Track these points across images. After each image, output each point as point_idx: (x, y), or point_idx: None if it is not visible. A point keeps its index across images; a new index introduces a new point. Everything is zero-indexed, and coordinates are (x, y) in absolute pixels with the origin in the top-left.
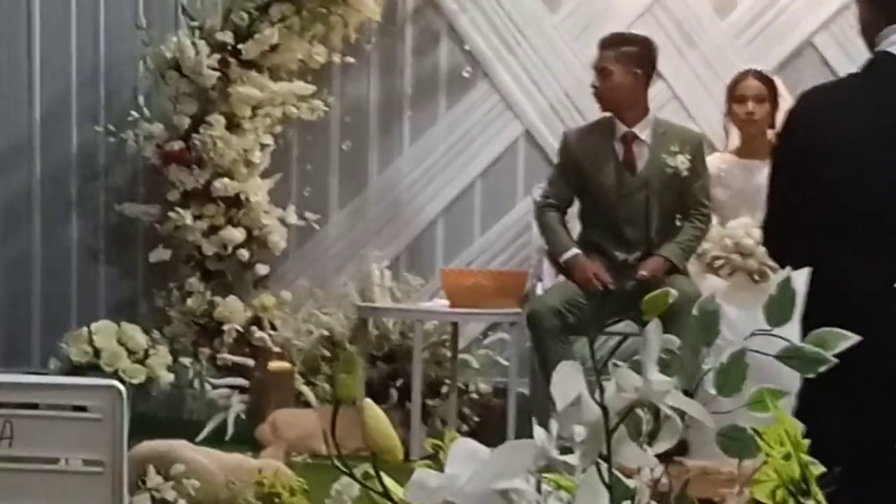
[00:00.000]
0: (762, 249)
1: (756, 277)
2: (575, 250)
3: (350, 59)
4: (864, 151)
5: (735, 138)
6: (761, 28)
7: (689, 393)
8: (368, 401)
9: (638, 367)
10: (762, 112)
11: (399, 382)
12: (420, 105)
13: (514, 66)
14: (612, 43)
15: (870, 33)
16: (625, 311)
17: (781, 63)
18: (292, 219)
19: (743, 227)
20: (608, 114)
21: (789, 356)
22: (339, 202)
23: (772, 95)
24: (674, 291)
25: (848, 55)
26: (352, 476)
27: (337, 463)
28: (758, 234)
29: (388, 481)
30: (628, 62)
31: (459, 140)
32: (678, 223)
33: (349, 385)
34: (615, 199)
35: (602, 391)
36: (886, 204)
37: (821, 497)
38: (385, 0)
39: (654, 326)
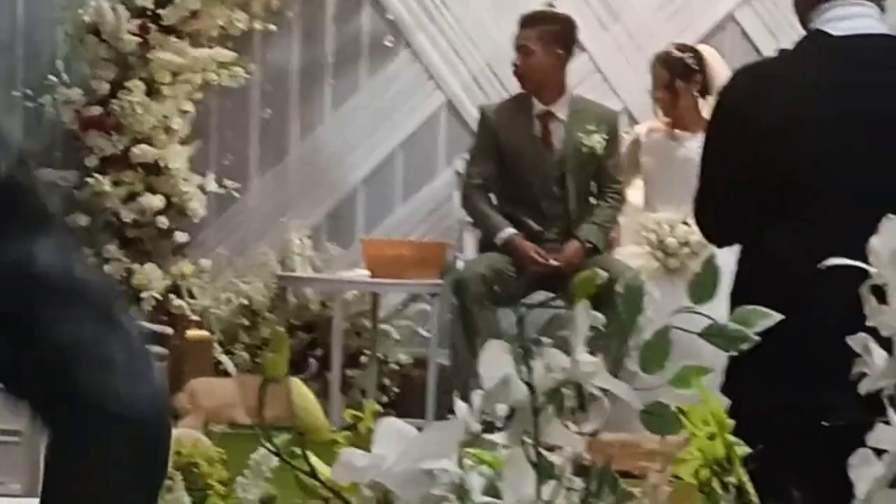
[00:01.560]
0: (685, 251)
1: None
2: (510, 230)
3: (271, 27)
4: (795, 130)
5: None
6: (684, 2)
7: (613, 371)
8: (295, 379)
9: (564, 344)
10: (668, 96)
11: (318, 352)
12: (342, 73)
13: (436, 35)
14: (534, 21)
15: (801, 6)
16: (551, 284)
17: (703, 36)
18: (212, 186)
19: (668, 224)
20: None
21: (713, 334)
22: (259, 170)
23: (686, 70)
24: (602, 273)
25: (769, 29)
26: (278, 454)
27: (262, 440)
28: (682, 231)
29: (314, 460)
30: (550, 41)
31: (381, 109)
32: (593, 201)
33: (277, 363)
34: (533, 175)
35: (530, 371)
36: (815, 182)
37: (745, 477)
38: None
39: (582, 308)
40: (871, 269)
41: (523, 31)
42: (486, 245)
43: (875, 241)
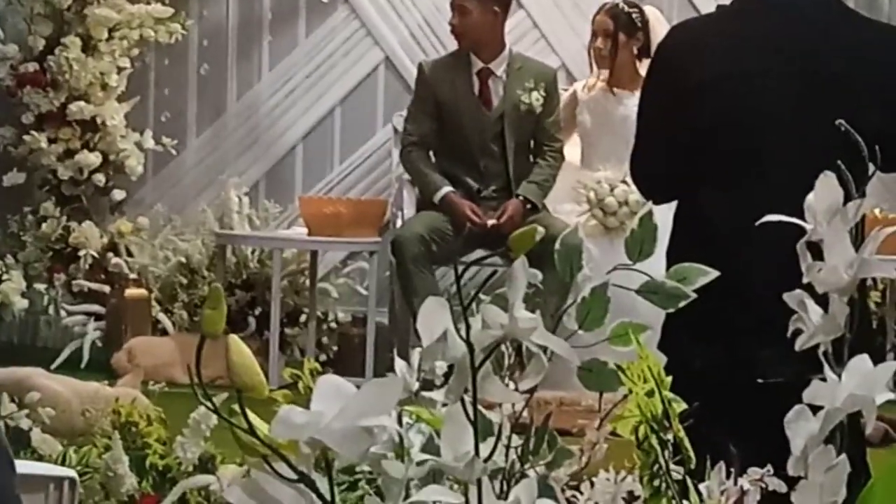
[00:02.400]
0: (624, 210)
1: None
2: (446, 188)
3: None
4: (728, 87)
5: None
6: None
7: (552, 328)
8: (233, 336)
9: (502, 301)
10: (607, 47)
11: (257, 311)
12: (279, 30)
13: None
14: None
15: None
16: (490, 242)
17: None
18: (149, 143)
19: (608, 183)
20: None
21: (650, 291)
22: (197, 127)
23: (629, 25)
24: (541, 229)
25: None
26: (216, 412)
27: (200, 397)
28: (621, 191)
29: (252, 417)
30: (487, 0)
31: (319, 66)
32: (531, 159)
33: (215, 320)
34: (471, 132)
35: (468, 328)
36: (749, 141)
37: (682, 433)
38: None
39: (519, 264)
40: (807, 226)
41: None
42: (424, 203)
43: (811, 198)
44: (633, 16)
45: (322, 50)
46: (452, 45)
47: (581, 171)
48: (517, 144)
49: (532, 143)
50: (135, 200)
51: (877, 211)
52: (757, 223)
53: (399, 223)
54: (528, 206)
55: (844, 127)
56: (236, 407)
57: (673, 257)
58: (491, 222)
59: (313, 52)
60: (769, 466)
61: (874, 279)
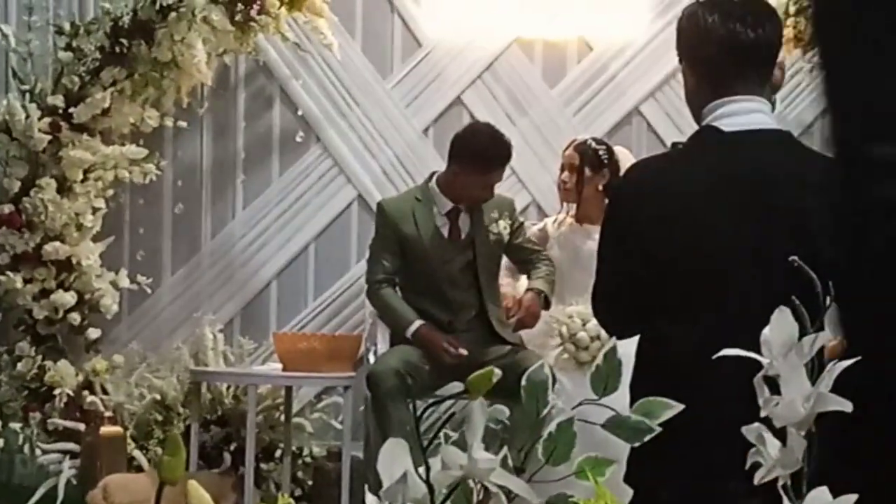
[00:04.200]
0: (597, 344)
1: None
2: (418, 322)
3: (182, 123)
4: (686, 224)
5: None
6: (590, 96)
7: (520, 466)
8: (192, 483)
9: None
10: (573, 181)
11: (233, 446)
12: (253, 169)
13: (346, 131)
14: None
15: (695, 102)
16: (466, 374)
17: (611, 130)
18: (125, 282)
19: (580, 318)
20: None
21: (616, 425)
22: (172, 265)
23: (596, 161)
24: (497, 371)
25: (674, 123)
26: None
27: None
28: (593, 325)
29: None
30: None
31: (293, 204)
32: (523, 276)
33: (173, 467)
34: (438, 265)
35: (428, 469)
36: (705, 274)
37: None
38: (217, 64)
39: (477, 405)
40: (763, 361)
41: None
42: (397, 337)
43: (767, 333)
44: (600, 152)
45: (295, 188)
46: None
47: (553, 305)
48: (489, 274)
49: (512, 264)
50: (110, 338)
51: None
52: (714, 357)
53: (373, 358)
54: (542, 295)
55: (797, 263)
56: None
57: (637, 390)
58: (464, 353)
59: (287, 190)
60: None
61: None
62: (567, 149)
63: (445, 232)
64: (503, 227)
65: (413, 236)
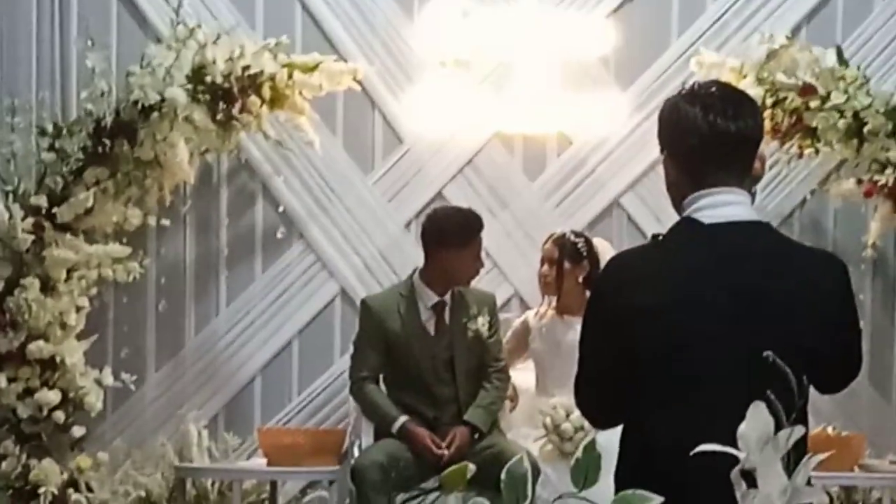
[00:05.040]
0: (580, 435)
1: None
2: (403, 418)
3: (165, 221)
4: (668, 316)
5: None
6: (570, 189)
7: None
8: None
9: None
10: (552, 274)
11: None
12: (236, 265)
13: (329, 227)
14: None
15: (676, 193)
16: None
17: (591, 222)
18: (109, 380)
19: (563, 409)
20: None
21: None
22: (156, 363)
23: (575, 254)
24: (472, 466)
25: (654, 214)
26: None
27: None
28: (577, 416)
29: None
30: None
31: (276, 300)
32: (479, 383)
33: None
34: (424, 361)
35: None
36: (686, 367)
37: None
38: (199, 162)
39: (452, 500)
40: (740, 455)
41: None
42: (381, 431)
43: (743, 427)
44: (579, 245)
45: (278, 284)
46: (406, 275)
47: (537, 396)
48: (467, 370)
49: (479, 366)
50: (95, 436)
51: (829, 429)
52: (691, 453)
53: (357, 452)
54: (476, 434)
55: (772, 359)
56: None
57: (620, 480)
58: (445, 453)
59: (270, 286)
60: None
61: None
62: (546, 242)
63: (431, 327)
64: (482, 323)
65: (398, 332)
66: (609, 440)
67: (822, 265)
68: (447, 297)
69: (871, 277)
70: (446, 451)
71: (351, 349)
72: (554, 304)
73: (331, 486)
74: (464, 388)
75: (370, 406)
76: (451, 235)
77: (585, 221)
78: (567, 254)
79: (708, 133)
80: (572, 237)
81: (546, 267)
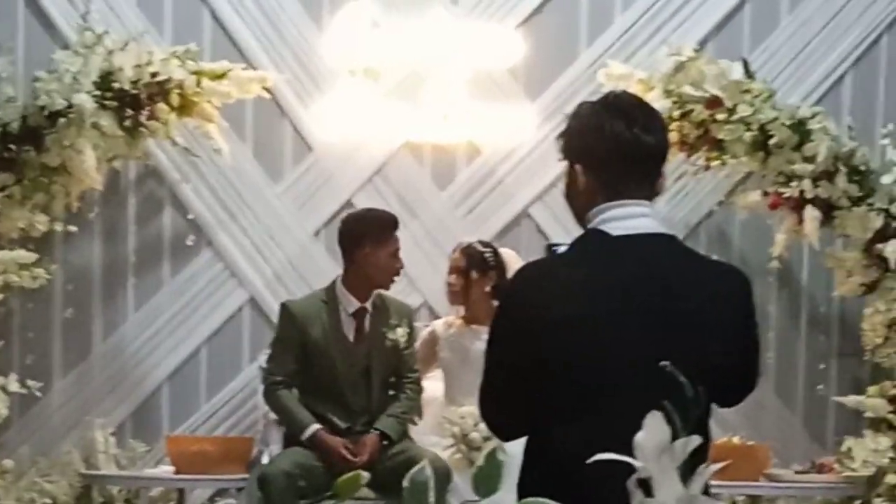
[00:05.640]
0: (488, 445)
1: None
2: (315, 426)
3: (72, 228)
4: (574, 328)
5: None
6: (479, 199)
7: None
8: None
9: None
10: (460, 283)
11: None
12: (144, 272)
13: (237, 234)
14: None
15: (582, 201)
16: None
17: (500, 232)
18: (14, 387)
19: (471, 419)
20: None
21: None
22: (62, 369)
23: (482, 264)
24: (365, 474)
25: (562, 225)
26: None
27: None
28: (485, 426)
29: None
30: None
31: (184, 307)
32: (391, 392)
33: None
34: (341, 368)
35: None
36: (591, 376)
37: None
38: (107, 169)
39: None
40: (637, 464)
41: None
42: (291, 439)
43: (639, 436)
44: (486, 255)
45: (187, 291)
46: (317, 284)
47: (445, 406)
48: (382, 380)
49: (394, 376)
50: (0, 443)
51: (735, 439)
52: (589, 461)
53: (265, 459)
54: (386, 441)
55: (669, 368)
56: None
57: (523, 488)
58: (358, 462)
59: (178, 293)
60: None
61: None
62: (454, 252)
63: (351, 334)
64: (401, 334)
65: (318, 339)
66: (516, 449)
67: (727, 279)
68: (368, 304)
69: (777, 289)
70: (362, 459)
71: (260, 357)
72: (462, 313)
73: (239, 494)
74: (377, 398)
75: (283, 412)
76: (367, 233)
77: (494, 231)
78: (474, 264)
79: (633, 146)
80: (480, 247)
81: (454, 276)
